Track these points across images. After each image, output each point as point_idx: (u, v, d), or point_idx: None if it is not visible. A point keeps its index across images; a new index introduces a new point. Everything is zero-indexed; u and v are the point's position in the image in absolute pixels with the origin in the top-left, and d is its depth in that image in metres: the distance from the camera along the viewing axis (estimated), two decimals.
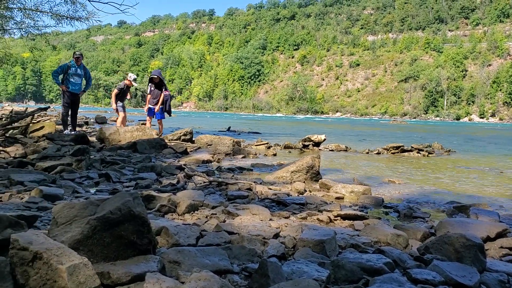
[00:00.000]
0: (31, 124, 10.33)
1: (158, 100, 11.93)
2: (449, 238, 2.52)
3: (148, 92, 12.30)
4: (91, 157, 6.38)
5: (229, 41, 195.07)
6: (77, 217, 2.02)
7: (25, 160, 5.72)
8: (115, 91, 12.48)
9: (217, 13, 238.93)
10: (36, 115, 11.86)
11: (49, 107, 12.29)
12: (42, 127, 10.18)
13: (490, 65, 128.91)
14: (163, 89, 12.06)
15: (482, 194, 5.57)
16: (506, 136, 26.77)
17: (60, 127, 11.76)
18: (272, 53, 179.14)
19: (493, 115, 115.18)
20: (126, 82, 12.54)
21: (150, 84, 12.14)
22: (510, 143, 18.64)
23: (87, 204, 2.11)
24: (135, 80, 12.72)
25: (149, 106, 12.09)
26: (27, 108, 15.13)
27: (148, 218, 2.10)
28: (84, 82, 11.26)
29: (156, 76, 12.06)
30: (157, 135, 9.98)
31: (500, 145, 16.94)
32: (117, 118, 13.46)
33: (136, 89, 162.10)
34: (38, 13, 14.70)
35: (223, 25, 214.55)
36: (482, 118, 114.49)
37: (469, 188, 6.08)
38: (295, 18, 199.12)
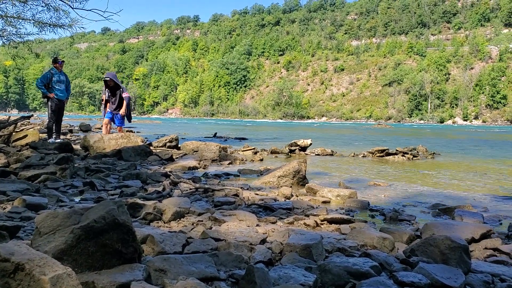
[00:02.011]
0: (14, 133, 10.20)
1: (119, 105, 11.16)
2: (434, 240, 2.54)
3: (106, 97, 11.40)
4: (76, 165, 6.31)
5: (214, 47, 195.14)
6: (60, 226, 1.99)
7: (8, 169, 5.64)
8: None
9: (202, 19, 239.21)
10: (19, 123, 11.71)
11: (32, 115, 12.15)
12: (25, 136, 10.06)
13: (472, 68, 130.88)
14: (121, 92, 11.24)
15: (466, 196, 5.63)
16: (489, 139, 27.16)
17: (44, 135, 11.62)
18: (257, 58, 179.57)
19: (476, 117, 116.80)
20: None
21: (106, 89, 11.29)
22: (492, 145, 18.91)
23: (71, 213, 2.09)
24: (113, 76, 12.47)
25: (109, 110, 11.29)
26: (9, 116, 14.93)
27: (133, 226, 2.08)
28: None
29: (109, 79, 11.14)
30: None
31: (483, 148, 17.18)
32: (102, 126, 13.26)
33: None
34: (20, 20, 14.53)
35: (208, 31, 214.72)
36: (466, 120, 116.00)
37: (453, 190, 6.15)
38: (280, 23, 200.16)
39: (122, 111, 11.15)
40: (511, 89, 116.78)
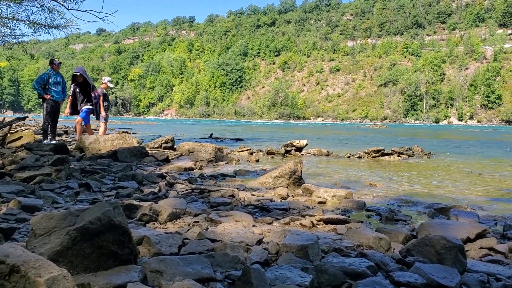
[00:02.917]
0: (9, 134, 10.16)
1: (87, 102, 10.71)
2: (430, 240, 2.54)
3: (71, 93, 10.81)
4: (71, 166, 6.29)
5: (210, 48, 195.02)
6: (56, 228, 1.98)
7: (3, 171, 5.61)
8: (101, 97, 12.16)
9: (197, 20, 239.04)
10: (14, 125, 11.66)
11: (27, 116, 12.10)
12: (20, 137, 10.02)
13: (467, 68, 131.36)
14: (91, 90, 10.78)
15: (462, 196, 5.65)
16: (484, 139, 27.26)
17: (39, 136, 11.58)
18: (253, 59, 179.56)
19: (471, 117, 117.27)
20: (103, 86, 12.29)
21: (73, 84, 10.74)
22: (487, 145, 18.98)
23: (66, 214, 2.08)
24: (110, 81, 12.43)
25: (84, 108, 10.73)
26: (4, 118, 14.87)
27: (129, 227, 2.07)
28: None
29: (79, 74, 10.60)
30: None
31: (478, 148, 17.24)
32: (98, 128, 13.24)
33: (116, 97, 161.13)
34: (15, 21, 14.48)
35: (203, 31, 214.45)
36: (461, 120, 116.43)
37: (448, 190, 6.17)
38: (275, 24, 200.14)
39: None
40: (506, 89, 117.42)
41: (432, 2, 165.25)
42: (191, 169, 7.52)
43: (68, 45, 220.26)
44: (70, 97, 10.92)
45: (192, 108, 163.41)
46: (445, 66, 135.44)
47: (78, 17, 27.44)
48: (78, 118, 10.94)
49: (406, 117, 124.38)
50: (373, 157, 11.13)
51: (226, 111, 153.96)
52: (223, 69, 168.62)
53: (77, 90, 10.69)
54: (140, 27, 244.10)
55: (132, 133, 21.19)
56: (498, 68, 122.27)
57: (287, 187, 5.67)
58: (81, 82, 10.72)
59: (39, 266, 1.55)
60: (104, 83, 12.24)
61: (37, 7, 13.88)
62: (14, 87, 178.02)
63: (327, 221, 3.65)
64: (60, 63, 11.14)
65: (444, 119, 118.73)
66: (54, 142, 10.14)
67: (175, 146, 10.93)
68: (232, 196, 4.76)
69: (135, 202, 3.72)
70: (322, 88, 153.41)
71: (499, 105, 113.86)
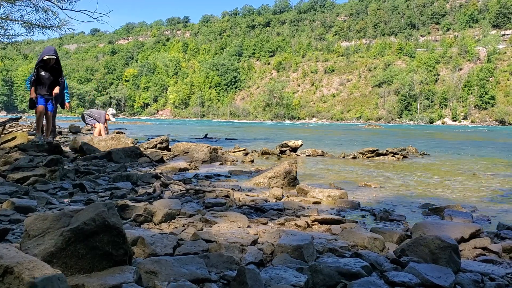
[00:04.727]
0: (2, 135, 10.09)
1: (51, 89, 9.42)
2: (424, 240, 2.55)
3: (34, 79, 9.20)
4: (65, 167, 6.26)
5: (204, 48, 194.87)
6: (50, 229, 1.98)
7: None
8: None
9: (192, 20, 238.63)
10: (7, 125, 11.58)
11: (20, 117, 12.03)
12: (14, 138, 9.95)
13: (461, 69, 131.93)
14: (62, 75, 9.58)
15: (456, 196, 5.67)
16: (477, 139, 27.38)
17: (33, 137, 11.53)
18: (248, 59, 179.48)
19: (465, 118, 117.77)
20: (106, 116, 12.59)
21: (36, 69, 9.21)
22: (481, 146, 19.08)
23: (60, 215, 2.07)
24: (113, 115, 12.61)
25: (41, 94, 9.34)
26: None
27: (123, 228, 2.07)
28: None
29: (54, 57, 9.16)
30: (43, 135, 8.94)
31: (472, 148, 17.32)
32: (92, 129, 13.32)
33: (110, 97, 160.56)
34: (8, 21, 14.39)
35: (198, 32, 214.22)
36: (455, 121, 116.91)
37: (443, 190, 6.19)
38: (270, 25, 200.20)
39: (56, 89, 9.49)
40: (499, 89, 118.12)
41: (426, 3, 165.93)
42: (186, 169, 7.51)
43: (62, 45, 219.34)
44: (32, 87, 9.32)
45: (187, 109, 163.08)
46: (439, 66, 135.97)
47: (72, 17, 27.22)
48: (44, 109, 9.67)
49: (401, 117, 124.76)
50: (367, 157, 11.16)
51: (221, 111, 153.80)
52: (218, 70, 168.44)
53: (42, 73, 9.26)
54: (135, 27, 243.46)
55: (127, 133, 21.12)
56: (492, 68, 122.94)
57: (282, 188, 5.67)
58: (54, 66, 9.40)
59: (33, 267, 1.54)
60: (106, 114, 12.49)
61: (30, 7, 13.79)
62: (7, 87, 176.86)
63: (322, 222, 3.66)
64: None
65: (438, 120, 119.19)
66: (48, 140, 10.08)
67: (169, 147, 10.91)
68: (227, 196, 4.75)
69: (130, 203, 3.71)
70: (316, 89, 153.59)
71: (492, 106, 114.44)
